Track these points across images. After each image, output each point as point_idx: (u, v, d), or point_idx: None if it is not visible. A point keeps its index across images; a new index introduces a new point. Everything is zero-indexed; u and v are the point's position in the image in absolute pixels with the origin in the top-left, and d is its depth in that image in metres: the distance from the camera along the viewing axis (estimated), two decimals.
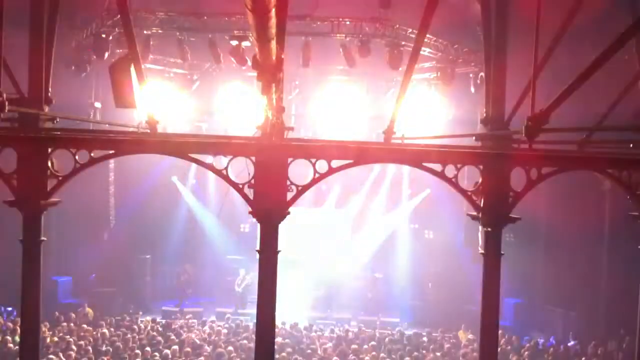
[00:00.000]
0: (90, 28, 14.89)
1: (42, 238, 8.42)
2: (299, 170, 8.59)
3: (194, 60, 17.05)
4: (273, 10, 4.44)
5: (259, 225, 8.59)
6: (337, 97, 17.19)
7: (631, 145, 8.40)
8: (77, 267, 18.43)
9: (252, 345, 11.43)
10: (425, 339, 14.74)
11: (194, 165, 15.88)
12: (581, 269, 16.71)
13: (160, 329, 14.93)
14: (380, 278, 20.10)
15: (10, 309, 15.79)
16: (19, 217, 8.33)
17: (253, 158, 8.36)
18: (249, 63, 13.67)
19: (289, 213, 8.53)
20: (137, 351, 12.40)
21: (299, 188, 8.42)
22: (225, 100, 17.75)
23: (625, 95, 8.43)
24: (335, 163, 8.44)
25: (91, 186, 16.64)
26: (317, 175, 8.46)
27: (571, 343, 15.13)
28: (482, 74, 10.80)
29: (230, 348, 12.80)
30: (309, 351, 12.92)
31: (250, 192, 8.40)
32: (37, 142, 8.29)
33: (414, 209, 21.24)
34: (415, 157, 8.69)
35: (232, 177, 8.56)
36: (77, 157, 8.35)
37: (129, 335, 13.59)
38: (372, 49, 14.59)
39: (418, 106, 16.41)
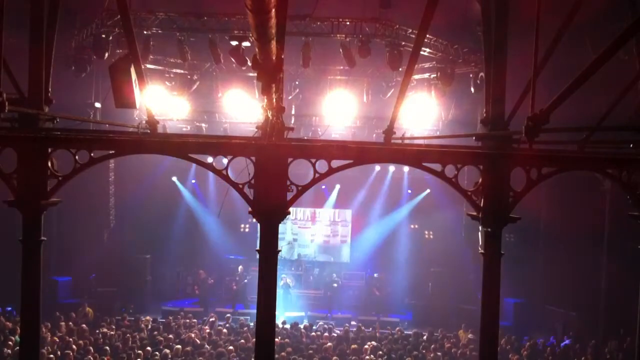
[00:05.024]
0: (90, 28, 14.90)
1: (42, 238, 8.41)
2: (299, 170, 8.59)
3: (194, 60, 17.06)
4: (273, 10, 4.44)
5: (258, 225, 8.60)
6: (337, 97, 17.15)
7: (631, 145, 8.40)
8: (77, 267, 18.43)
9: (252, 344, 11.44)
10: (425, 338, 14.76)
11: (194, 165, 15.90)
12: (581, 269, 16.70)
13: (160, 329, 14.93)
14: (380, 278, 20.12)
15: (10, 309, 15.78)
16: (19, 217, 8.33)
17: (253, 158, 8.35)
18: (249, 63, 13.67)
19: (289, 213, 8.54)
20: (138, 351, 12.40)
21: (299, 188, 8.42)
22: (226, 101, 17.74)
23: (625, 95, 8.41)
24: (335, 163, 8.44)
25: (91, 186, 16.68)
26: (317, 175, 8.46)
27: (567, 342, 15.11)
28: (482, 74, 10.81)
29: (231, 347, 12.81)
30: (309, 351, 12.91)
31: (250, 192, 8.39)
32: (37, 142, 8.27)
33: (414, 209, 21.26)
34: (415, 157, 8.67)
35: (232, 177, 8.56)
36: (77, 157, 8.35)
37: (128, 335, 13.60)
38: (372, 49, 14.59)
39: (418, 106, 16.42)
